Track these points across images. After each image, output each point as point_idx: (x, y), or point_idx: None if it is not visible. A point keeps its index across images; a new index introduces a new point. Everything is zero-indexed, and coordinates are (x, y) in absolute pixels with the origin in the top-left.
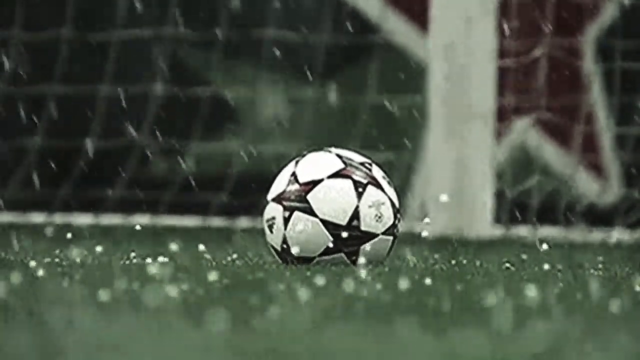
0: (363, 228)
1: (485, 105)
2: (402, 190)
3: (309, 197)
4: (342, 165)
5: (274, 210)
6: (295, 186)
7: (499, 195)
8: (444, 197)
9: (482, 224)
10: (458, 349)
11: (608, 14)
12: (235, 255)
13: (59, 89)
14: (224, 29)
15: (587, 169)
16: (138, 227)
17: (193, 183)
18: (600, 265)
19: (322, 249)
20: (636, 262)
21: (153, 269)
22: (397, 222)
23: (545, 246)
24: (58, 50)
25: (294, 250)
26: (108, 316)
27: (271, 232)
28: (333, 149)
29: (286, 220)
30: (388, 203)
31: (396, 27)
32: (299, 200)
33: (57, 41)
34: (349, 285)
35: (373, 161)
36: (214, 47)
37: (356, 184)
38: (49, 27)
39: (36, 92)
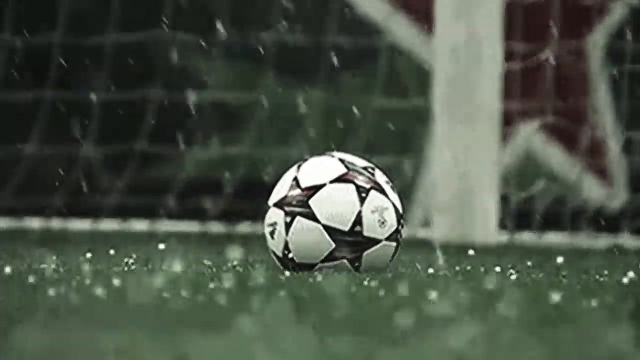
0: (366, 234)
1: (491, 109)
2: (405, 195)
3: (311, 202)
4: (344, 170)
5: (275, 215)
6: (297, 191)
7: (504, 201)
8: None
9: (487, 229)
10: (460, 354)
11: (616, 16)
12: (235, 262)
13: (54, 94)
14: (224, 31)
15: (593, 173)
16: (134, 231)
17: (193, 188)
18: (605, 271)
19: (324, 255)
20: None
21: (153, 275)
22: (400, 227)
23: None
24: (53, 55)
25: (296, 256)
26: (106, 323)
27: (272, 237)
28: (335, 154)
29: (288, 226)
30: (391, 208)
31: (401, 30)
32: (301, 206)
33: (52, 46)
34: (351, 292)
35: (376, 166)
36: (215, 50)
37: (359, 188)
38: (42, 31)
39: (31, 97)
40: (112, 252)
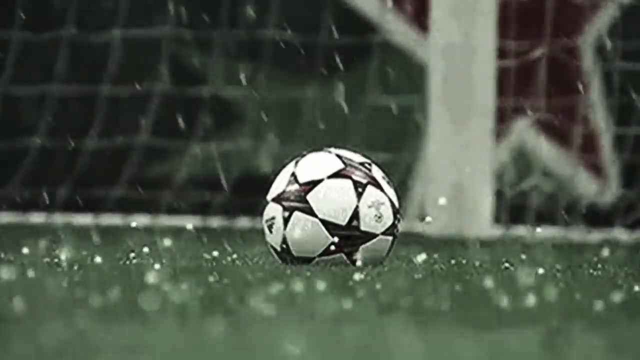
0: (363, 228)
1: (485, 106)
2: (401, 190)
3: (309, 197)
4: (342, 166)
5: (273, 210)
6: (295, 186)
7: (499, 196)
8: (442, 200)
9: (482, 224)
10: (456, 349)
11: (607, 14)
12: (235, 256)
13: (59, 88)
14: (224, 29)
15: (586, 169)
16: (135, 226)
17: (193, 183)
18: (599, 266)
19: (321, 249)
20: (635, 262)
21: (152, 270)
22: (396, 222)
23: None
24: (58, 50)
25: (294, 251)
26: (108, 318)
27: (271, 232)
28: (333, 149)
29: (286, 221)
30: (388, 203)
31: (396, 27)
32: (299, 201)
33: (58, 41)
34: (348, 285)
35: (373, 161)
36: (214, 47)
37: (356, 184)
38: (49, 27)
39: (37, 91)
40: (113, 246)
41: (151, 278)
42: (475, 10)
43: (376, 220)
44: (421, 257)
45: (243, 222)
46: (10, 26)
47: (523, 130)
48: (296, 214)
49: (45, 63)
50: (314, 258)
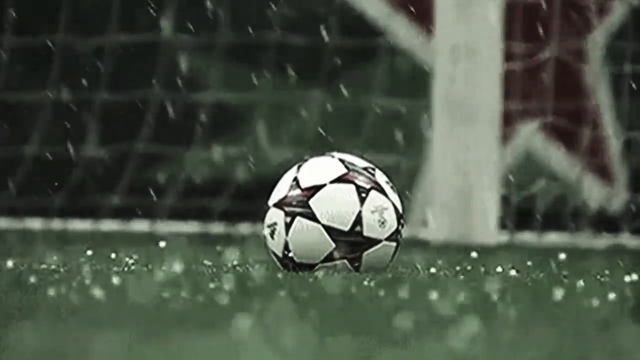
0: (366, 234)
1: (491, 109)
2: (405, 195)
3: (311, 202)
4: (344, 170)
5: (275, 215)
6: (297, 191)
7: (504, 201)
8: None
9: (487, 229)
10: (462, 355)
11: (616, 16)
12: (235, 262)
13: (56, 95)
14: (225, 32)
15: (594, 173)
16: (134, 232)
17: (194, 189)
18: (606, 271)
19: (324, 255)
20: None
21: (152, 275)
22: (400, 227)
23: None
24: (54, 56)
25: (296, 257)
26: (106, 322)
27: (272, 238)
28: (336, 154)
29: (288, 226)
30: (391, 208)
31: (401, 30)
32: (301, 206)
33: (53, 46)
34: (351, 292)
35: (376, 166)
36: (215, 51)
37: (359, 189)
38: (43, 32)
39: (32, 99)
40: (112, 252)
41: (151, 284)
42: (480, 12)
43: (380, 226)
44: (426, 263)
45: (245, 227)
46: (3, 32)
47: (529, 133)
48: (298, 219)
49: (41, 68)
50: (316, 264)
